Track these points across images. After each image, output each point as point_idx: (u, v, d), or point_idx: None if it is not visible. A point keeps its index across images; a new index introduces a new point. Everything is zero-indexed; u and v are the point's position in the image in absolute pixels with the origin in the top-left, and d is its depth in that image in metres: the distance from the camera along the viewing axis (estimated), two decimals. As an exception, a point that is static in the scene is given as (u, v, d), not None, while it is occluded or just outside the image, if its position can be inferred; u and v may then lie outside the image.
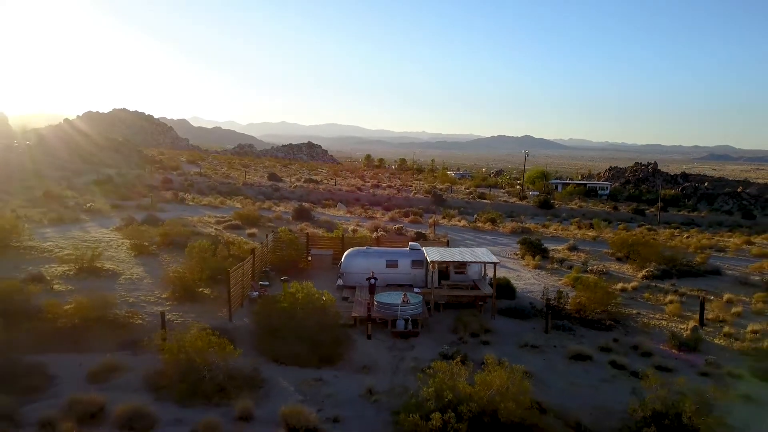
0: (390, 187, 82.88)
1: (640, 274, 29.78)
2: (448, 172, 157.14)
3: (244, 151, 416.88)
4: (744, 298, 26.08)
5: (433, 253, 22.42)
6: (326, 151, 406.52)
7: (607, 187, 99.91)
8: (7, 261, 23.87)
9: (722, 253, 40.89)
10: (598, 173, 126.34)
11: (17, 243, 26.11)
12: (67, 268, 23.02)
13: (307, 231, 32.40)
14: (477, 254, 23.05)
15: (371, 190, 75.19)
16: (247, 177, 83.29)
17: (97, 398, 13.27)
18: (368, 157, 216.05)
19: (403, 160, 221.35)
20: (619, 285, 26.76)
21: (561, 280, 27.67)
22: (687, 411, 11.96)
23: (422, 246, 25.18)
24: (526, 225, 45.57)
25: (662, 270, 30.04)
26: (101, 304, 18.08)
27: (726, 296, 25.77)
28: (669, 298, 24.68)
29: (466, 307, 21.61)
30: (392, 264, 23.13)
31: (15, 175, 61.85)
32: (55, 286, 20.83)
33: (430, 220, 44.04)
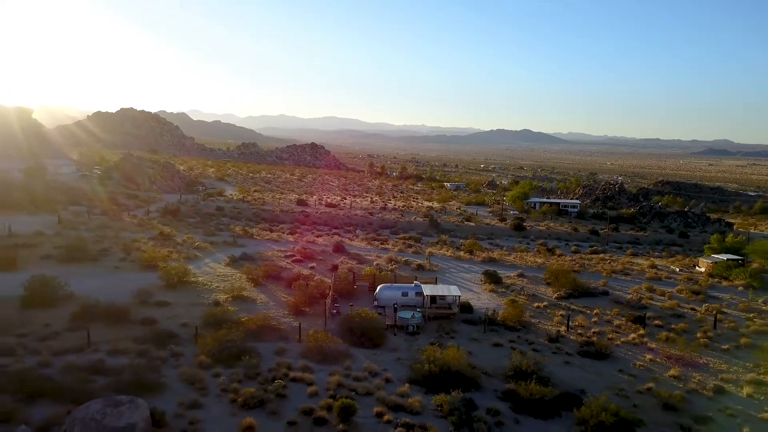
0: (395, 209, 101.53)
1: (555, 296, 48.64)
2: (445, 185, 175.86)
3: (249, 151, 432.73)
4: (608, 312, 44.92)
5: (427, 289, 41.31)
6: (329, 152, 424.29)
7: (577, 206, 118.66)
8: (189, 293, 42.70)
9: (627, 276, 59.74)
10: (575, 189, 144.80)
11: (186, 279, 44.86)
12: (226, 296, 41.83)
13: (352, 269, 51.03)
14: (450, 290, 41.91)
15: (380, 214, 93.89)
16: (279, 202, 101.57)
17: (287, 361, 32.03)
18: (371, 165, 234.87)
19: (403, 168, 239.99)
20: (536, 304, 45.68)
21: (504, 300, 46.43)
22: (524, 365, 30.78)
23: (421, 281, 44.08)
24: (494, 255, 64.37)
25: (569, 293, 48.89)
26: (264, 318, 36.89)
27: (595, 311, 44.62)
28: (560, 312, 43.48)
29: (445, 318, 40.43)
30: (405, 294, 41.89)
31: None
32: (229, 308, 39.57)
33: (427, 252, 63.00)
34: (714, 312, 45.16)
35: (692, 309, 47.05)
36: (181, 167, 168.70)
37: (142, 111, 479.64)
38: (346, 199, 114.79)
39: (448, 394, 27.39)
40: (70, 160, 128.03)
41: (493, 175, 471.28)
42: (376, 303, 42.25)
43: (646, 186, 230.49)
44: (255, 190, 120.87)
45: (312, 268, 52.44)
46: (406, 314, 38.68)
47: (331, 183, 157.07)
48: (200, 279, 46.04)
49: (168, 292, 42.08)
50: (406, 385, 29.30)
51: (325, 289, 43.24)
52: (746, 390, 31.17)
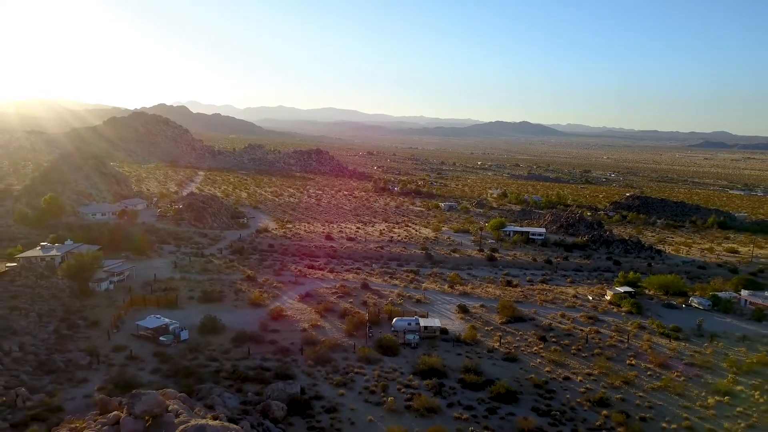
0: (400, 241, 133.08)
1: (499, 322, 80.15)
2: (440, 205, 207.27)
3: (256, 156, 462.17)
4: (528, 333, 76.43)
5: (422, 321, 72.95)
6: (333, 157, 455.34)
7: (543, 234, 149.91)
8: (286, 322, 74.19)
9: (553, 305, 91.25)
10: (545, 216, 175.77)
11: (282, 314, 76.24)
12: (308, 324, 73.35)
13: (376, 304, 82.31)
14: (435, 321, 73.49)
15: (388, 247, 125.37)
16: (311, 236, 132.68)
17: (351, 363, 63.55)
18: (375, 181, 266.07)
19: (403, 184, 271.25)
20: (486, 327, 77.29)
21: (467, 325, 77.75)
22: (467, 365, 62.49)
23: (419, 314, 75.80)
24: (468, 288, 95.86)
25: (508, 319, 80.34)
26: (335, 339, 68.52)
27: (520, 332, 76.20)
28: (498, 333, 74.96)
29: (432, 339, 71.99)
30: (409, 324, 73.28)
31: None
32: (312, 333, 70.99)
33: (423, 287, 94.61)
34: (588, 332, 76.81)
35: (581, 330, 78.67)
36: (217, 192, 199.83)
37: (153, 115, 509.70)
38: (360, 229, 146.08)
39: (431, 380, 58.98)
40: (139, 198, 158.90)
41: (489, 173, 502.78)
42: (393, 329, 73.63)
43: (618, 200, 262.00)
44: (287, 221, 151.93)
45: (350, 302, 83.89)
46: (410, 336, 70.24)
47: (344, 207, 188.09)
48: (288, 312, 77.54)
49: (275, 323, 73.59)
50: (412, 375, 60.90)
51: (363, 319, 74.85)
52: (579, 378, 62.87)
